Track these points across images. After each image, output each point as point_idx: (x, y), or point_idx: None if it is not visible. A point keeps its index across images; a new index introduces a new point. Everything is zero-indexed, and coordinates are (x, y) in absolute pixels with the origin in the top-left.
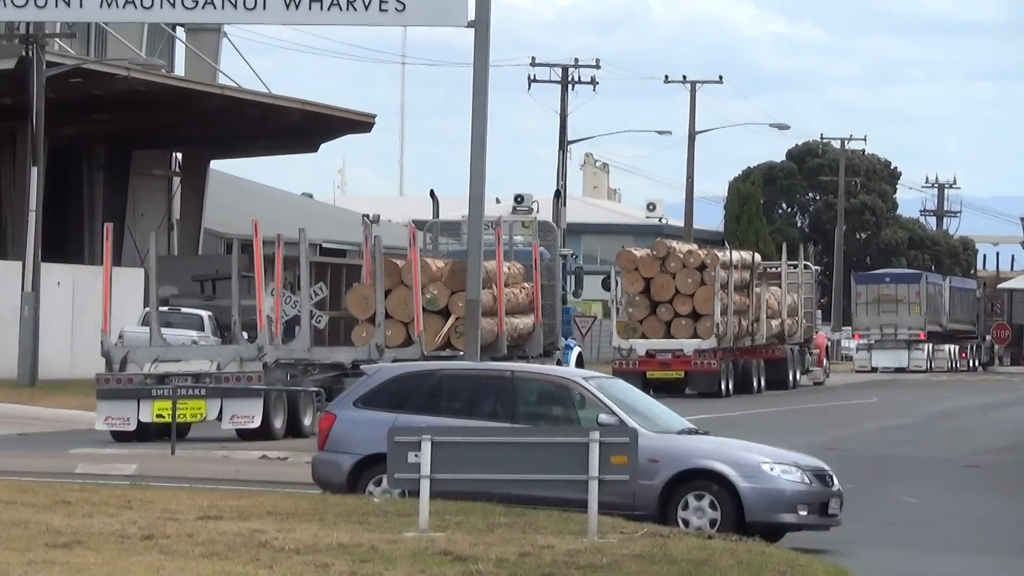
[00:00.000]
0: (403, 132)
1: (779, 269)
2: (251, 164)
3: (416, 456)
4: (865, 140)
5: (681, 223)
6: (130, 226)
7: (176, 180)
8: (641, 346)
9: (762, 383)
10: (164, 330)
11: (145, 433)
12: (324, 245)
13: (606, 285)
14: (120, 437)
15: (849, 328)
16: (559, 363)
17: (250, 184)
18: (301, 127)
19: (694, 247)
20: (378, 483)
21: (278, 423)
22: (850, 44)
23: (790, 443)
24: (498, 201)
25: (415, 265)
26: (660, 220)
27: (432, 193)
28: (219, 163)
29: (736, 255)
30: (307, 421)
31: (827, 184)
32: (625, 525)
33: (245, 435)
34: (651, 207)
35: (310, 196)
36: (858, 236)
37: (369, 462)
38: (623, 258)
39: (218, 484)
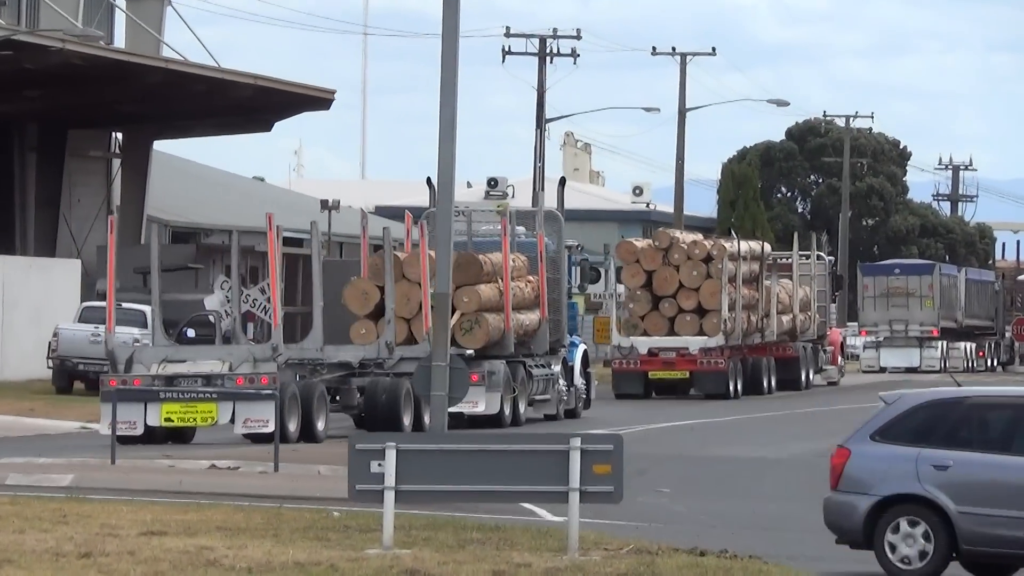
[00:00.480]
0: (365, 110)
1: (790, 260)
2: (198, 145)
3: (380, 465)
4: (872, 118)
5: (670, 208)
6: (65, 213)
7: (116, 162)
8: (643, 344)
9: (773, 383)
10: (103, 327)
11: (151, 437)
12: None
13: (588, 276)
14: (125, 442)
15: (855, 324)
16: (564, 361)
17: (197, 167)
18: (253, 104)
19: (699, 237)
20: (896, 530)
21: (292, 427)
22: (856, 12)
23: (789, 451)
24: (469, 185)
25: (423, 258)
26: (647, 205)
27: (429, 181)
28: (163, 144)
29: (745, 245)
30: (320, 425)
31: (830, 166)
32: (609, 541)
33: (257, 440)
34: (637, 191)
35: (262, 180)
36: (864, 223)
37: (888, 503)
38: (623, 249)
39: (162, 496)
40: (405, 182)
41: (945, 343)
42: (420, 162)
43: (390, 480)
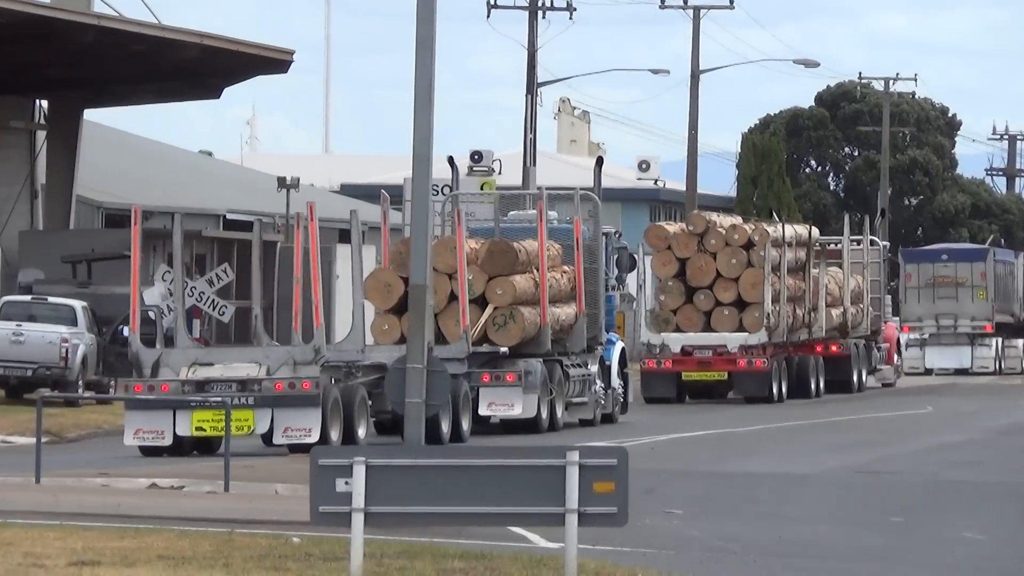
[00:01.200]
0: (328, 73)
1: (839, 246)
2: (136, 115)
3: (347, 483)
4: (915, 80)
5: (681, 186)
6: None
7: (41, 135)
8: (675, 341)
9: (821, 385)
10: (26, 325)
11: (179, 448)
12: (229, 216)
13: (626, 266)
14: (151, 453)
15: (897, 319)
16: (602, 360)
17: (135, 140)
18: (199, 67)
19: (738, 220)
20: None
21: (335, 435)
22: None
23: (821, 465)
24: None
25: (460, 247)
26: (655, 182)
27: (451, 160)
28: (95, 113)
29: (790, 229)
30: (361, 432)
31: (867, 136)
32: (612, 570)
33: (298, 450)
34: (644, 166)
35: (209, 154)
36: (907, 202)
37: None
38: (652, 235)
39: (96, 520)
40: (375, 157)
41: (1000, 340)
42: (392, 134)
43: (359, 501)
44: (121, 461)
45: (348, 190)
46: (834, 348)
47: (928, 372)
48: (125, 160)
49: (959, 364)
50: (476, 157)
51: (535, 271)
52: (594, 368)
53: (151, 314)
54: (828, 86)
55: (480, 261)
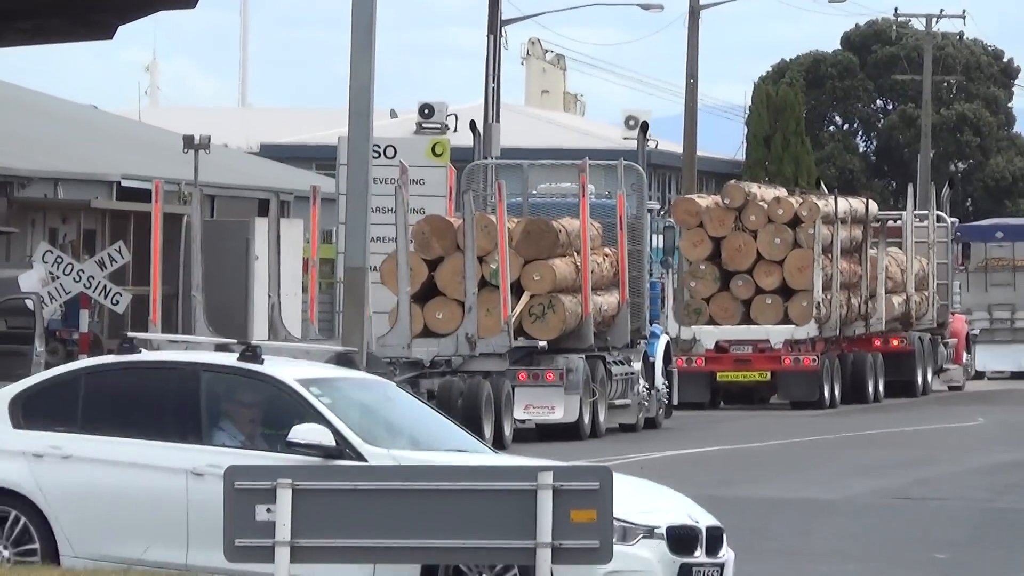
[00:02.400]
0: (245, 9)
1: (899, 222)
2: (8, 59)
3: (269, 511)
4: (964, 17)
5: (677, 147)
6: None
7: None
8: (708, 336)
9: (880, 388)
10: None
11: None
12: (124, 183)
13: (672, 249)
14: None
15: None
16: (645, 356)
17: (7, 90)
18: (86, 1)
19: (782, 193)
20: None
21: None
22: None
23: (847, 490)
24: (394, 115)
25: (501, 226)
26: (646, 142)
27: (473, 125)
28: None
29: (844, 203)
30: None
31: (904, 87)
32: None
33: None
34: (632, 122)
35: (94, 108)
36: (953, 167)
37: None
38: (681, 209)
39: None
40: (302, 111)
41: None
42: (322, 83)
43: (284, 532)
44: None
45: (269, 151)
46: (895, 343)
47: (980, 375)
48: None
49: (1017, 366)
50: (426, 112)
51: (576, 254)
52: (637, 365)
53: (29, 303)
54: (857, 25)
55: (515, 242)
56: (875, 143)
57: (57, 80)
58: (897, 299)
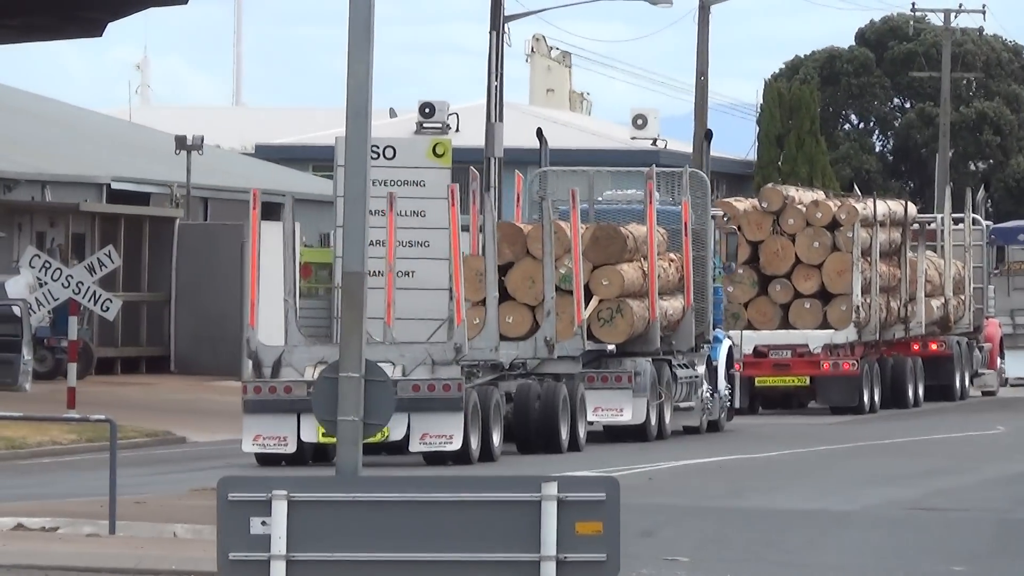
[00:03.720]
0: (239, 6)
1: (934, 225)
2: None
3: (264, 524)
4: (984, 12)
5: (686, 147)
6: None
7: None
8: (746, 341)
9: (920, 392)
10: None
11: (302, 456)
12: (114, 185)
13: (734, 255)
14: (268, 460)
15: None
16: (708, 360)
17: None
18: None
19: (821, 196)
20: None
21: (474, 442)
22: None
23: (863, 500)
24: (394, 114)
25: (575, 231)
26: (654, 143)
27: (539, 133)
28: None
29: (882, 206)
30: (496, 440)
31: (922, 84)
32: None
33: (434, 460)
34: (640, 122)
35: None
36: (973, 167)
37: None
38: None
39: None
40: (298, 110)
41: None
42: (319, 81)
43: (279, 546)
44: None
45: (264, 152)
46: (934, 347)
47: (1005, 383)
48: None
49: None
50: (427, 111)
51: (643, 260)
52: (701, 369)
53: (16, 310)
54: (873, 20)
55: (583, 248)
56: (892, 142)
57: (45, 79)
58: (935, 302)
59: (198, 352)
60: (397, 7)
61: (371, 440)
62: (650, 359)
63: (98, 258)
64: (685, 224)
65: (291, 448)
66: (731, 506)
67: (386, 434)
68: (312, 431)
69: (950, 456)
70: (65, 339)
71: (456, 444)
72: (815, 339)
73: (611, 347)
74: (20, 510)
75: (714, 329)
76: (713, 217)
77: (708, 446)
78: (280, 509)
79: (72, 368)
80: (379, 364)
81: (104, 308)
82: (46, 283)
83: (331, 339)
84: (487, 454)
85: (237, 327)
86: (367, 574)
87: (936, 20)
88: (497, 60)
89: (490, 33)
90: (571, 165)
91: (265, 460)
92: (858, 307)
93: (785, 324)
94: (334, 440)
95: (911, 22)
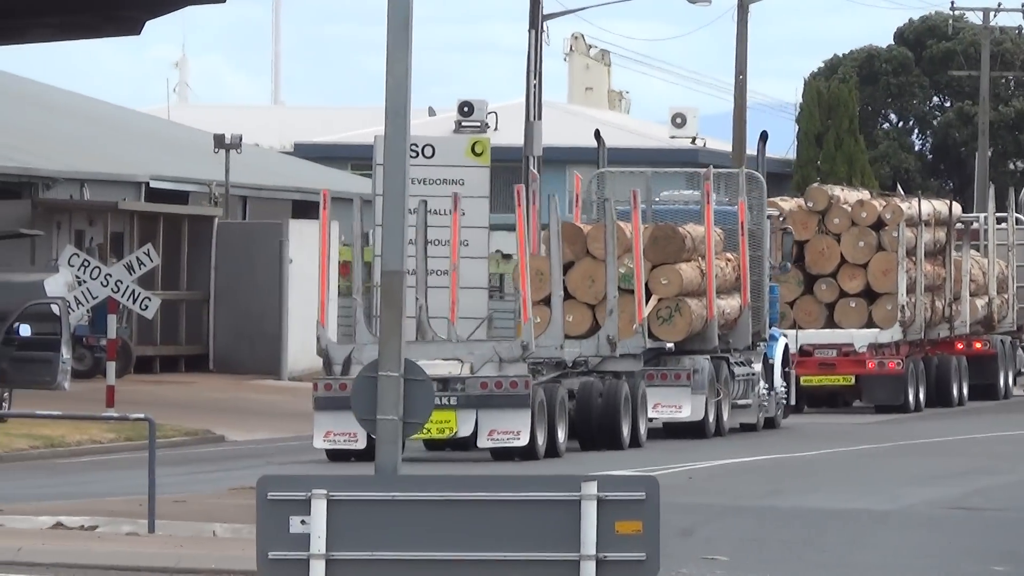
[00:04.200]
0: (278, 4)
1: (977, 225)
2: (34, 55)
3: (303, 523)
4: (1023, 11)
5: (725, 146)
6: None
7: None
8: (792, 340)
9: (964, 391)
10: None
11: (371, 452)
12: (153, 184)
13: (790, 255)
14: (339, 456)
15: None
16: (765, 358)
17: (32, 87)
18: None
19: (866, 195)
20: None
21: (541, 438)
22: None
23: (904, 499)
24: (433, 113)
25: (636, 231)
26: (693, 141)
27: (597, 134)
28: None
29: (927, 206)
30: (561, 436)
31: (961, 83)
32: None
33: (501, 455)
34: (678, 120)
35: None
36: (1012, 166)
37: None
38: None
39: None
40: (337, 109)
41: None
42: (358, 80)
43: (319, 545)
44: (21, 493)
45: (303, 150)
46: (978, 346)
47: None
48: (19, 113)
49: None
50: (466, 110)
51: (700, 259)
52: (758, 367)
53: (55, 308)
54: (911, 19)
55: (643, 247)
56: (931, 141)
57: (83, 78)
58: (979, 301)
59: (237, 351)
60: (436, 6)
61: (439, 436)
62: (708, 357)
63: (137, 257)
64: (741, 224)
65: (361, 444)
66: (771, 505)
67: (454, 429)
68: None
69: (990, 455)
70: (104, 338)
71: (523, 440)
72: (860, 338)
73: (670, 345)
74: (59, 509)
75: (770, 327)
76: (768, 217)
77: (765, 443)
78: (319, 508)
79: (111, 367)
80: (447, 361)
81: (143, 307)
82: (85, 282)
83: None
84: (552, 450)
85: (276, 326)
86: (406, 573)
87: (975, 19)
88: (536, 59)
89: (529, 32)
90: (608, 162)
91: (335, 456)
92: (903, 306)
93: (830, 323)
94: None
95: (950, 21)
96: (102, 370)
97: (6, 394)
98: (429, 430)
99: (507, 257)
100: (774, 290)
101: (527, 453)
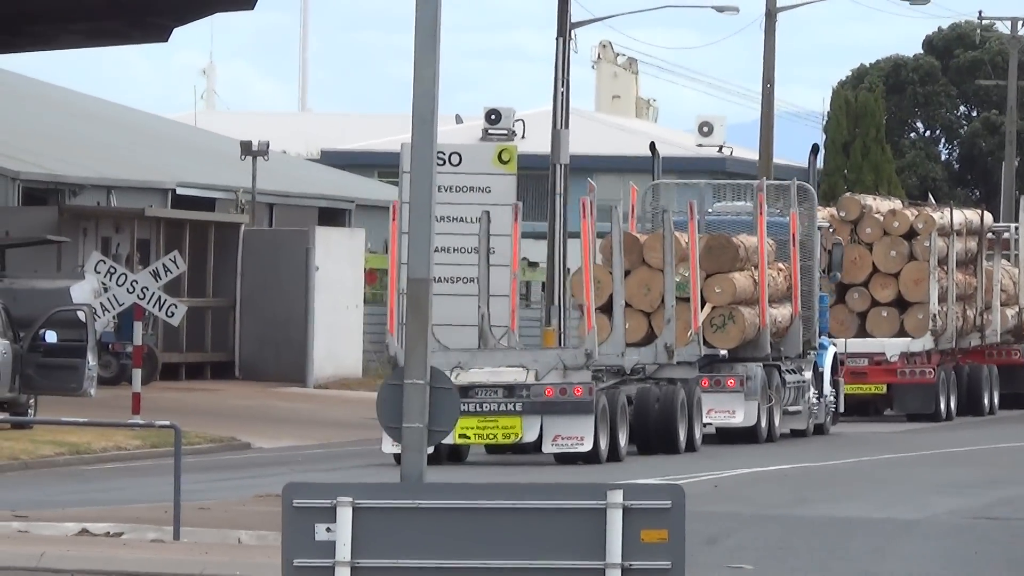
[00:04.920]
0: (306, 11)
1: (1008, 235)
2: (61, 62)
3: (329, 530)
4: None
5: (752, 154)
6: None
7: None
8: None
9: (995, 400)
10: None
11: (438, 456)
12: (179, 191)
13: (839, 265)
14: None
15: None
16: (815, 366)
17: (60, 94)
18: (141, 1)
19: (898, 205)
20: None
21: (603, 443)
22: None
23: (929, 508)
24: (460, 120)
25: (693, 242)
26: (720, 149)
27: (653, 147)
28: (9, 59)
29: (959, 215)
30: (622, 441)
31: (988, 92)
32: None
33: (565, 460)
34: (706, 129)
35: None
36: None
37: None
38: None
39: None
40: (363, 116)
41: None
42: (385, 87)
43: (344, 552)
44: (46, 500)
45: (330, 157)
46: (1009, 355)
47: None
48: (47, 119)
49: None
50: (493, 117)
51: (754, 269)
52: (808, 374)
53: (81, 315)
54: (939, 28)
55: (699, 256)
56: (958, 151)
57: (111, 84)
58: (1010, 311)
59: (263, 358)
60: (464, 13)
61: (505, 441)
62: (760, 364)
63: (163, 263)
64: (793, 235)
65: (428, 449)
66: (795, 514)
67: (519, 435)
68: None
69: (1016, 465)
70: (130, 344)
71: (587, 445)
72: (892, 347)
73: (723, 352)
74: (85, 515)
75: (820, 336)
76: (820, 228)
77: (812, 449)
78: (345, 516)
79: (137, 374)
80: (512, 368)
81: (169, 314)
82: (111, 288)
83: (475, 345)
84: (614, 455)
85: (302, 333)
86: None
87: (1003, 28)
88: (563, 66)
89: (556, 39)
90: (635, 171)
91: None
92: (935, 315)
93: (862, 332)
94: (470, 441)
95: (978, 30)
96: (128, 377)
97: (32, 400)
98: (495, 435)
99: (533, 265)
100: (824, 299)
101: (590, 458)
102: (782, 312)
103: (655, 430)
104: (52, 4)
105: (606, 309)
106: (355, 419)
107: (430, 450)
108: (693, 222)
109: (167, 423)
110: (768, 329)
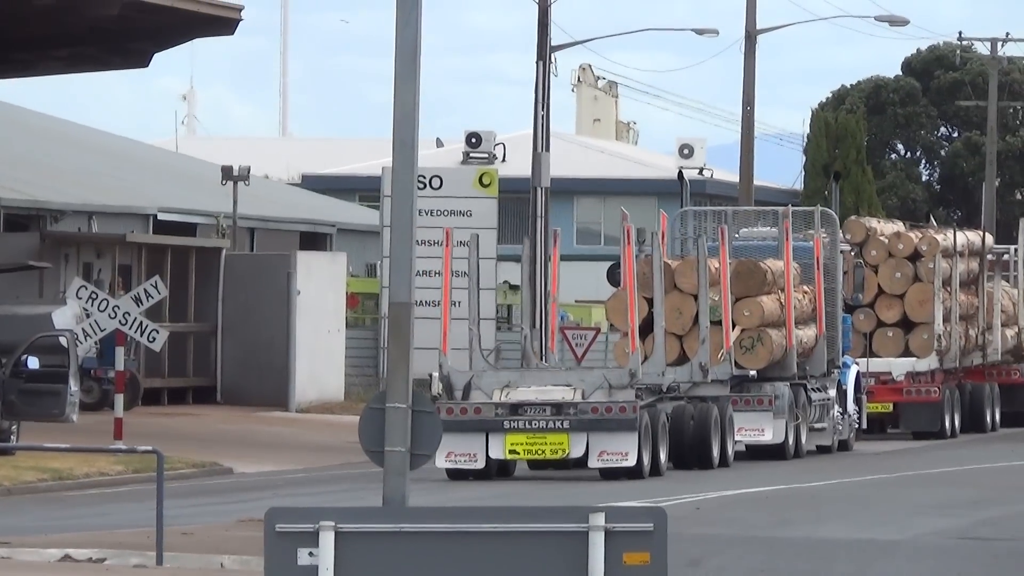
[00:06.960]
0: (286, 36)
1: (1008, 256)
2: (42, 88)
3: (311, 555)
4: None
5: (732, 176)
6: None
7: None
8: None
9: (997, 418)
10: None
11: (488, 472)
12: (160, 216)
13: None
14: (458, 476)
15: None
16: (839, 384)
17: (41, 120)
18: (122, 27)
19: (902, 227)
20: None
21: (646, 459)
22: None
23: (912, 529)
24: (440, 144)
25: (724, 267)
26: (700, 172)
27: (680, 175)
28: None
29: (961, 237)
30: (663, 457)
31: (969, 113)
32: None
33: (609, 475)
34: (686, 151)
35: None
36: (1020, 196)
37: None
38: None
39: None
40: (345, 141)
41: None
42: (366, 111)
43: None
44: (28, 526)
45: (311, 182)
46: (1009, 375)
47: None
48: (28, 146)
49: None
50: (473, 141)
51: (780, 292)
52: (832, 392)
53: (63, 340)
54: (919, 49)
55: (729, 281)
56: (938, 172)
57: (91, 110)
58: (1010, 331)
59: (244, 383)
60: (444, 37)
61: (552, 457)
62: (788, 383)
63: (145, 289)
64: (817, 259)
65: (480, 464)
66: (778, 536)
67: (567, 451)
68: (499, 448)
69: (997, 485)
70: (112, 370)
71: (631, 461)
72: (898, 367)
73: (753, 372)
74: (67, 541)
75: (843, 355)
76: (842, 252)
77: (839, 465)
78: (327, 540)
79: (119, 399)
80: (558, 387)
81: (151, 339)
82: (93, 314)
83: (520, 365)
84: (655, 470)
85: (284, 357)
86: None
87: (983, 49)
88: (544, 90)
89: (537, 63)
90: (615, 196)
91: (455, 475)
92: (940, 336)
93: (869, 352)
94: (519, 457)
95: (958, 51)
96: (110, 402)
97: (14, 427)
98: (543, 451)
99: (514, 288)
100: (847, 320)
101: (633, 472)
102: (807, 333)
103: (690, 446)
104: (31, 31)
105: (641, 331)
106: (337, 443)
107: (480, 466)
108: (724, 247)
109: (149, 448)
110: (795, 350)
